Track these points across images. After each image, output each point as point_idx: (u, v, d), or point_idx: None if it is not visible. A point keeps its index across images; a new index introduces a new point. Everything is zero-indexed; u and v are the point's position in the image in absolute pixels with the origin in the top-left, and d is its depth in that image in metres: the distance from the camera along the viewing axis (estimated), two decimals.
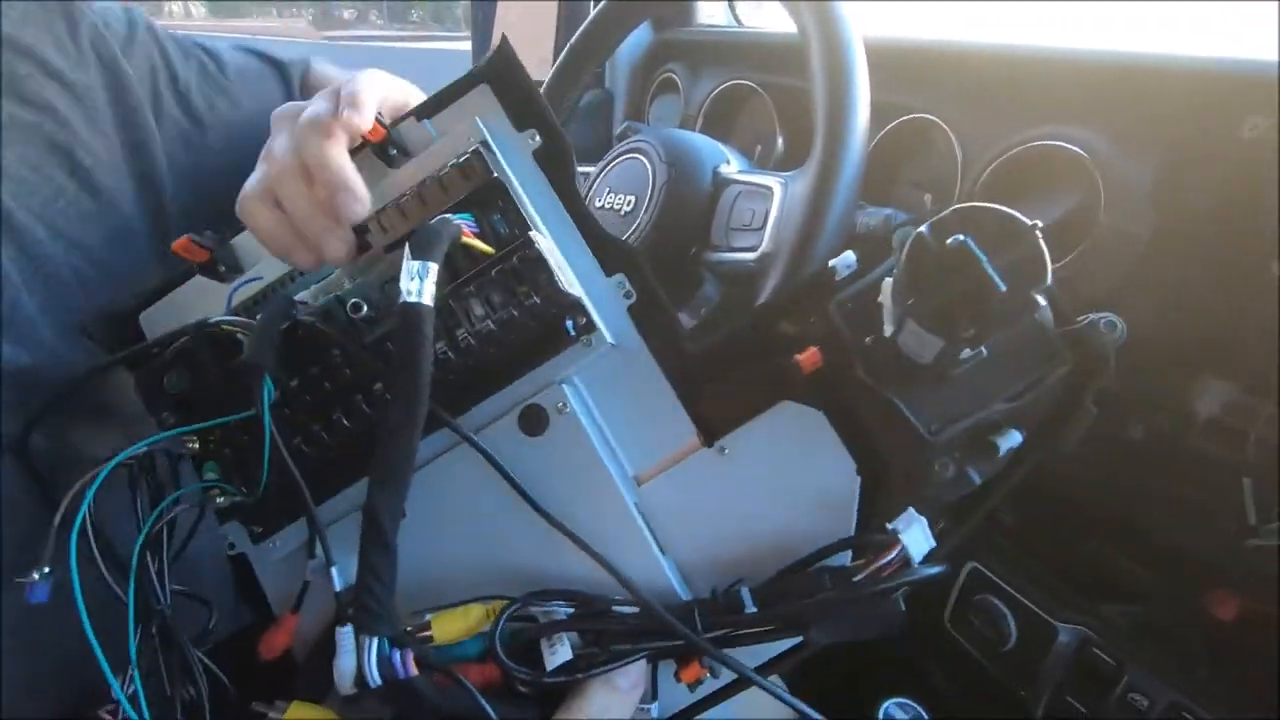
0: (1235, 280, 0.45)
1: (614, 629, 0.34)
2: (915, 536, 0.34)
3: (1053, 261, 0.45)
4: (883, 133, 0.65)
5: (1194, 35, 0.54)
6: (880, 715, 0.55)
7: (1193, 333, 0.46)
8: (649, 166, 0.61)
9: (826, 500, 0.37)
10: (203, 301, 0.39)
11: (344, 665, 0.28)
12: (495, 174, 0.34)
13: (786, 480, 0.37)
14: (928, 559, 0.34)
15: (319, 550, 0.33)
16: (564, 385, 0.36)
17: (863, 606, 0.35)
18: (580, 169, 0.47)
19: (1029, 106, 0.56)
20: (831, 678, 0.68)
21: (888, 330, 0.31)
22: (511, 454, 0.36)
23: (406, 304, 0.29)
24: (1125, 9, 0.70)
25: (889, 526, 0.35)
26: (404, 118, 0.37)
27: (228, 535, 0.39)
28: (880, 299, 0.32)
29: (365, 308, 0.33)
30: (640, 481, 0.38)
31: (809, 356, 0.34)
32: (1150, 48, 0.51)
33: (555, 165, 0.37)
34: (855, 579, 0.34)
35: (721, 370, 0.37)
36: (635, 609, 0.34)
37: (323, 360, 0.34)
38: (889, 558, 0.34)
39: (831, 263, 0.35)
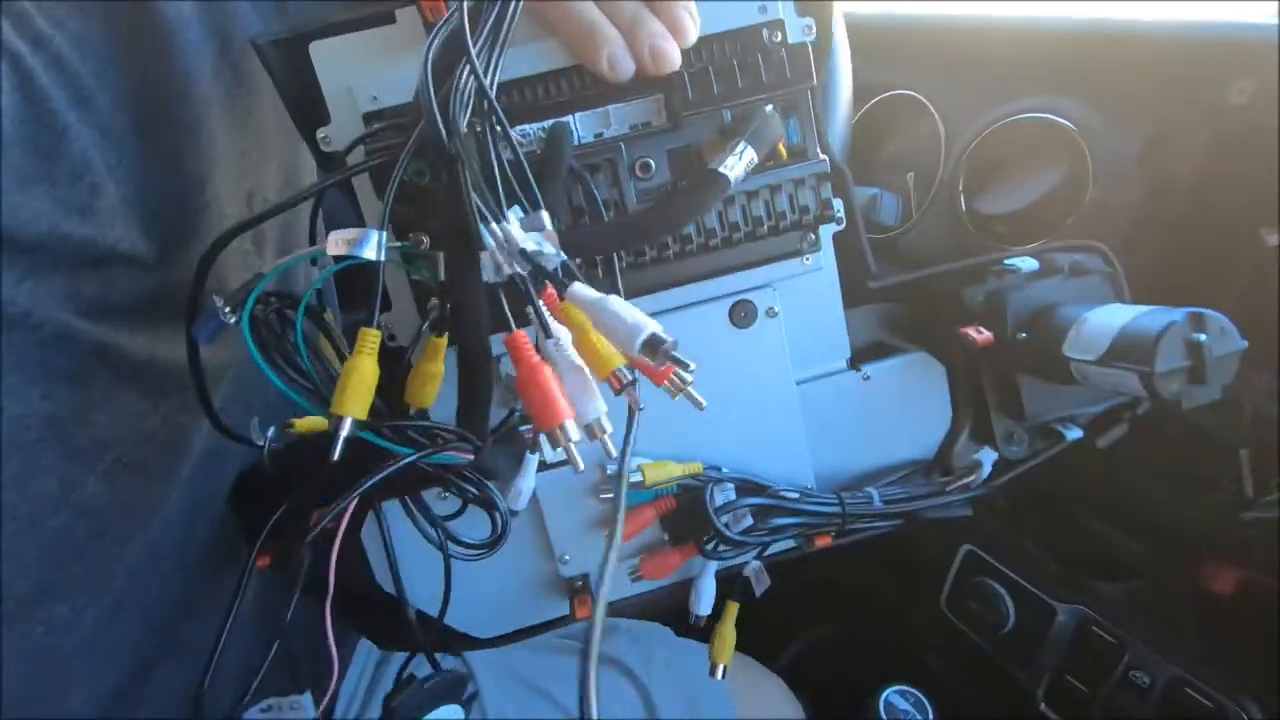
0: (1227, 249, 0.45)
1: (788, 508, 0.39)
2: (987, 465, 0.44)
3: (1042, 235, 0.54)
4: (863, 110, 0.65)
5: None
6: (881, 703, 0.56)
7: (1185, 304, 0.46)
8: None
9: (921, 432, 0.46)
10: (386, 56, 0.35)
11: None
12: (814, 81, 0.35)
13: (900, 411, 0.45)
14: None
15: None
16: (774, 289, 0.40)
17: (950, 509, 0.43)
18: None
19: (1011, 79, 0.55)
20: (832, 667, 0.73)
21: (1074, 353, 0.38)
22: (714, 338, 0.39)
23: (718, 172, 0.32)
24: None
25: (974, 457, 0.44)
26: None
27: None
28: (1074, 331, 0.38)
29: (653, 168, 0.35)
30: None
31: (985, 339, 0.40)
32: (1134, 14, 0.50)
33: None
34: (949, 488, 0.43)
35: (897, 311, 0.43)
36: (794, 493, 0.40)
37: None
38: (974, 478, 0.43)
39: (1012, 262, 0.42)
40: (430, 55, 0.28)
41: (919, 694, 0.57)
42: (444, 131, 0.27)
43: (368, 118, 0.34)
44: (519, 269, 0.27)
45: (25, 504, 0.31)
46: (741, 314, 0.39)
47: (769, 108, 0.34)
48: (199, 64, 0.39)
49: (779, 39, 0.36)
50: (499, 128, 0.29)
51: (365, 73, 0.34)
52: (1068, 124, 0.51)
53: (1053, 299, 0.42)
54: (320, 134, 0.35)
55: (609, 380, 0.27)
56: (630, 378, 0.27)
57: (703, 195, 0.32)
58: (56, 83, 0.34)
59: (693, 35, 0.33)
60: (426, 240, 0.32)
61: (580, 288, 0.27)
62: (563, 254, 0.28)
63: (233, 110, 0.41)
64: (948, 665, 0.62)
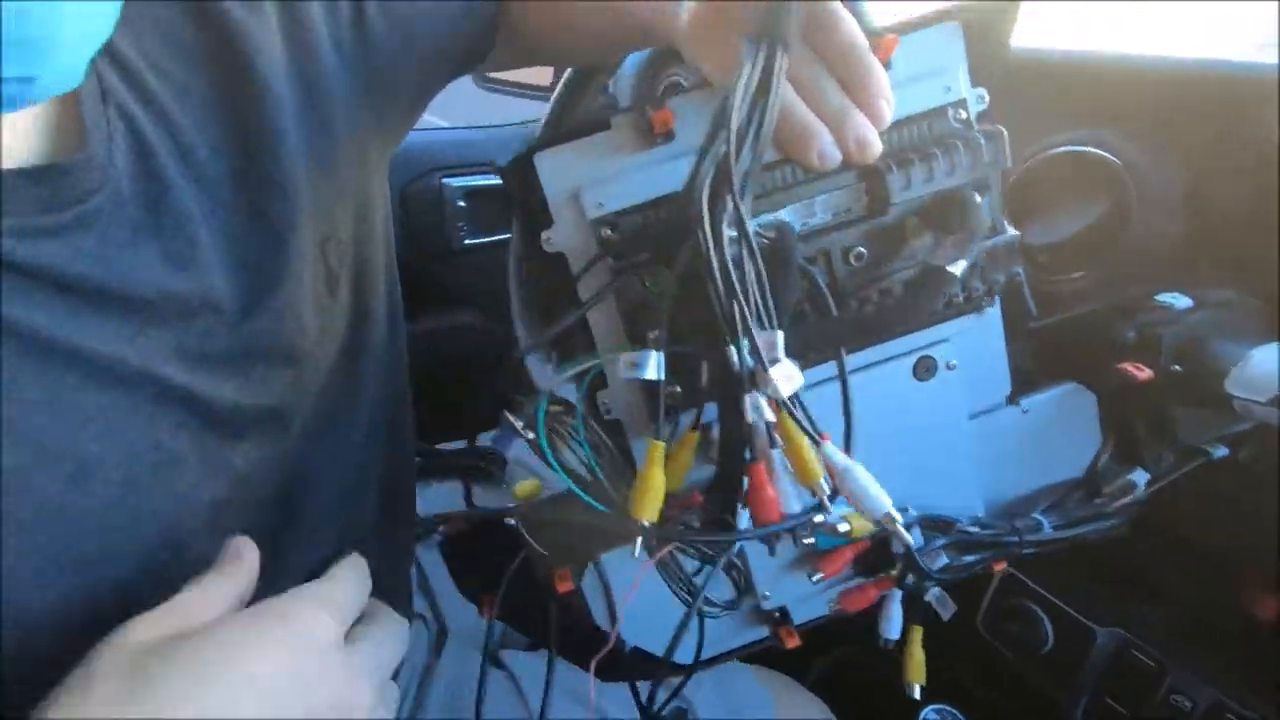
0: (1268, 282, 0.47)
1: (971, 542, 0.43)
2: (1141, 484, 0.47)
3: (1085, 265, 0.55)
4: None
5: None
6: None
7: None
8: None
9: (1071, 455, 0.49)
10: (603, 160, 0.37)
11: None
12: (1009, 164, 0.38)
13: (1053, 437, 0.48)
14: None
15: None
16: (953, 343, 0.43)
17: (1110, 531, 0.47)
18: None
19: (1057, 111, 0.56)
20: (870, 686, 0.73)
21: (1240, 391, 0.41)
22: (898, 391, 0.43)
23: (946, 271, 0.35)
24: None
25: (1128, 477, 0.47)
26: (876, 32, 0.36)
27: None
28: (1237, 370, 0.41)
29: (866, 257, 0.38)
30: None
31: (1146, 375, 0.43)
32: (1178, 51, 0.52)
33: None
34: (1108, 508, 0.47)
35: (1048, 346, 0.46)
36: (975, 528, 0.44)
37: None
38: (1130, 498, 0.47)
39: (1164, 298, 0.45)
40: (704, 193, 0.30)
41: (956, 712, 0.60)
42: (718, 274, 0.30)
43: (596, 224, 0.37)
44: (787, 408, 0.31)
45: (135, 546, 0.33)
46: (924, 369, 0.42)
47: (978, 198, 0.36)
48: (288, 115, 0.40)
49: (964, 116, 0.39)
50: (749, 249, 0.31)
51: (588, 181, 0.37)
52: (1111, 157, 0.52)
53: (1206, 333, 0.45)
54: (544, 236, 0.38)
55: (810, 487, 0.31)
56: (828, 491, 0.32)
57: (933, 295, 0.35)
58: (162, 135, 0.35)
59: (889, 121, 0.35)
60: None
61: (832, 450, 0.31)
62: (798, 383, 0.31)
63: (313, 158, 0.41)
64: (984, 685, 0.63)
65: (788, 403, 0.31)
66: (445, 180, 1.00)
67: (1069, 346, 0.48)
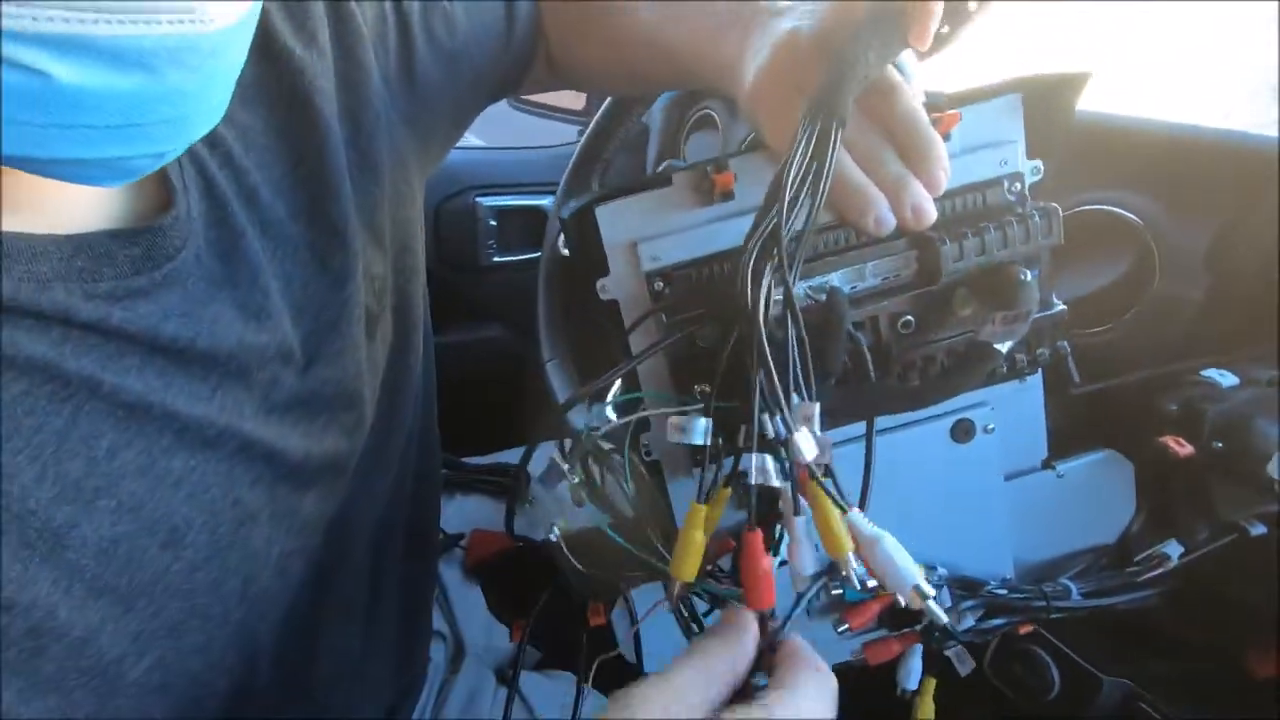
0: None
1: (999, 605, 0.43)
2: (1174, 557, 0.47)
3: (1107, 320, 0.56)
4: None
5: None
6: None
7: None
8: None
9: (1104, 521, 0.49)
10: (661, 215, 0.38)
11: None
12: (1060, 240, 0.38)
13: (1087, 503, 0.48)
14: None
15: None
16: (991, 407, 0.43)
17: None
18: None
19: (1079, 171, 0.56)
20: None
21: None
22: (935, 452, 0.43)
23: (992, 347, 0.35)
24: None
25: (1162, 549, 0.47)
26: (937, 111, 0.37)
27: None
28: None
29: (913, 325, 0.38)
30: None
31: (1188, 451, 0.43)
32: (1205, 120, 0.54)
33: None
34: (1140, 579, 0.47)
35: (1088, 412, 0.46)
36: (1003, 590, 0.44)
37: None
38: (1162, 570, 0.47)
39: (1209, 373, 0.45)
40: (751, 263, 0.31)
41: None
42: (763, 334, 0.31)
43: (650, 275, 0.39)
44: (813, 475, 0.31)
45: (218, 604, 0.33)
46: (962, 431, 0.43)
47: (1027, 275, 0.37)
48: (344, 157, 0.39)
49: (1018, 188, 0.39)
50: (793, 317, 0.32)
51: (646, 234, 0.39)
52: (1135, 218, 0.53)
53: (1251, 412, 0.44)
54: (600, 283, 0.40)
55: (838, 560, 0.32)
56: (854, 566, 0.32)
57: (977, 369, 0.36)
58: (229, 180, 0.34)
59: (943, 190, 0.35)
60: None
61: (859, 518, 0.31)
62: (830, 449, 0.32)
63: (361, 199, 0.41)
64: None
65: (813, 467, 0.31)
66: (478, 199, 1.04)
67: (1109, 414, 0.48)
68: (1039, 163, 0.41)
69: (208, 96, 0.25)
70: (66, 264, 0.28)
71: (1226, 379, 0.46)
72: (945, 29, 0.36)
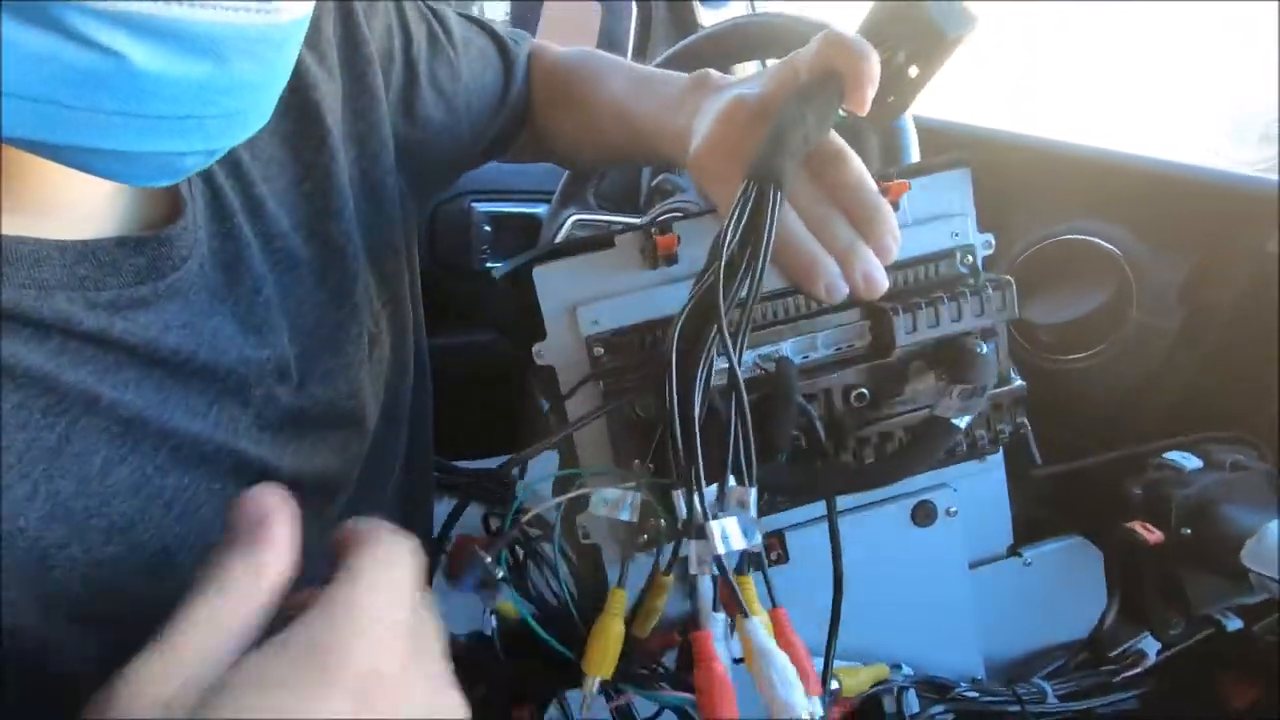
0: (1256, 381, 0.48)
1: (972, 710, 0.39)
2: (1151, 654, 0.44)
3: (1083, 352, 0.56)
4: None
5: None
6: None
7: (1213, 427, 0.48)
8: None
9: (1075, 613, 0.46)
10: (602, 278, 0.36)
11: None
12: (1017, 315, 0.37)
13: (1056, 593, 0.45)
14: None
15: None
16: (953, 488, 0.41)
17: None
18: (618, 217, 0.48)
19: (1061, 201, 0.58)
20: None
21: (1258, 566, 0.38)
22: (895, 536, 0.40)
23: (949, 422, 0.33)
24: None
25: (1139, 646, 0.44)
26: (886, 177, 0.37)
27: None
28: (1254, 542, 0.38)
29: (868, 398, 0.36)
30: None
31: (1156, 538, 0.41)
32: (1185, 157, 0.55)
33: None
34: (1116, 679, 0.44)
35: (1053, 495, 0.44)
36: (974, 693, 0.40)
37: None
38: (1139, 669, 0.44)
39: (1172, 456, 0.43)
40: (679, 328, 0.29)
41: None
42: (677, 419, 0.28)
43: (590, 341, 0.36)
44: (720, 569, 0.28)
45: None
46: (923, 514, 0.40)
47: (984, 348, 0.35)
48: (349, 175, 0.39)
49: (970, 261, 0.38)
50: (735, 390, 0.30)
51: (586, 297, 0.36)
52: (1114, 249, 0.54)
53: (1217, 496, 0.43)
54: (536, 349, 0.37)
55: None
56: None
57: (935, 445, 0.33)
58: (236, 191, 0.34)
59: (894, 258, 0.34)
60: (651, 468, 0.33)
61: (755, 626, 0.28)
62: (759, 538, 0.29)
63: (365, 220, 0.41)
64: None
65: (722, 562, 0.28)
66: (474, 204, 1.05)
67: (1074, 497, 0.46)
68: (990, 236, 0.40)
69: (266, 92, 0.25)
70: (69, 271, 0.27)
71: (1190, 461, 0.44)
72: (891, 98, 0.36)
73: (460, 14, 0.52)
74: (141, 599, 0.28)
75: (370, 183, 0.42)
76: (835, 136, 0.34)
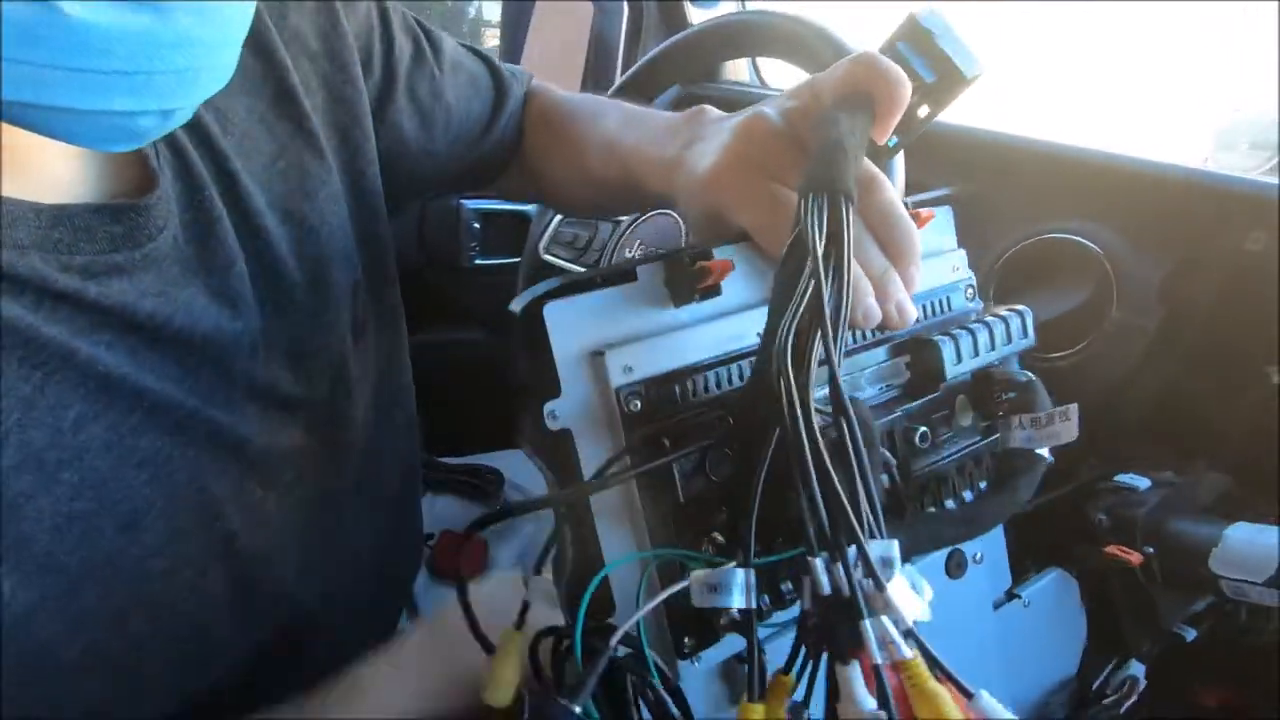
0: (1234, 381, 0.49)
1: None
2: (1142, 679, 0.46)
3: (1064, 350, 0.58)
4: None
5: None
6: None
7: (1191, 425, 0.50)
8: (681, 225, 0.68)
9: (1064, 647, 0.46)
10: (622, 316, 0.31)
11: None
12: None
13: (1047, 629, 0.45)
14: None
15: None
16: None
17: None
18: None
19: (1044, 200, 0.58)
20: None
21: (1229, 572, 0.40)
22: (934, 591, 0.37)
23: (1040, 455, 0.31)
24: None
25: (1129, 674, 0.45)
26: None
27: None
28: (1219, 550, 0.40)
29: (929, 437, 0.33)
30: None
31: (1138, 559, 0.42)
32: (1165, 156, 0.55)
33: None
34: (1120, 712, 0.45)
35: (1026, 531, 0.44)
36: None
37: None
38: (1135, 698, 0.44)
39: (1123, 478, 0.46)
40: (791, 341, 0.24)
41: None
42: (809, 459, 0.23)
43: (622, 391, 0.29)
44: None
45: (167, 596, 0.31)
46: (955, 564, 0.38)
47: (1030, 375, 0.34)
48: (328, 156, 0.39)
49: (972, 294, 0.38)
50: (848, 422, 0.25)
51: (611, 340, 0.30)
52: (1096, 248, 0.55)
53: (1169, 512, 0.45)
54: (548, 408, 0.29)
55: None
56: None
57: (1029, 479, 0.31)
58: (207, 163, 0.34)
59: (918, 287, 0.34)
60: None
61: (992, 705, 0.22)
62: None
63: (347, 204, 0.42)
64: None
65: (919, 637, 0.22)
66: (463, 201, 1.03)
67: (1043, 529, 0.46)
68: (971, 275, 0.41)
69: (217, 51, 0.25)
70: (44, 234, 0.28)
71: (1140, 482, 0.47)
72: (893, 140, 0.36)
73: (463, 44, 0.54)
74: (109, 559, 0.29)
75: (352, 172, 0.42)
76: (868, 161, 0.33)
